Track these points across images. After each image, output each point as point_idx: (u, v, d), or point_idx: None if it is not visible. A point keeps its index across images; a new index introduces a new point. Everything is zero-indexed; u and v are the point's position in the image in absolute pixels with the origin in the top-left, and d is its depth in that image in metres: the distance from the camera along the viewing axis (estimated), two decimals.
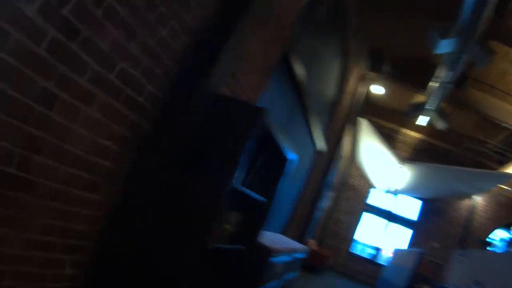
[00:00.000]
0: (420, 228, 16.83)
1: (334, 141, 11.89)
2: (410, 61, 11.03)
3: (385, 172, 15.86)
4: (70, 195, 2.50)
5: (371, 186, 17.29)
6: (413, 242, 16.62)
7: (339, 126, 12.02)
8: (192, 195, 3.04)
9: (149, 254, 2.95)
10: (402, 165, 15.30)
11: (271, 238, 6.00)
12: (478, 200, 16.37)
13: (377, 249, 17.15)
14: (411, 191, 16.52)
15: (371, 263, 16.67)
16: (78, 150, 2.46)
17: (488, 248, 15.58)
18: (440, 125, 11.05)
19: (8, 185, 2.07)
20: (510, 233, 15.75)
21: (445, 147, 15.75)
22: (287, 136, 6.59)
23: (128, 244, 2.91)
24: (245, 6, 3.35)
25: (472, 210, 16.36)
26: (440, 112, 10.66)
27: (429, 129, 13.70)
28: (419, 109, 10.89)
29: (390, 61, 11.32)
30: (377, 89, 12.78)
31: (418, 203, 17.18)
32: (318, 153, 10.17)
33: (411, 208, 17.23)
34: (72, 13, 2.11)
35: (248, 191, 3.53)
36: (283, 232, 9.28)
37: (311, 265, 11.95)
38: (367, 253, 17.30)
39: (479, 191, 15.43)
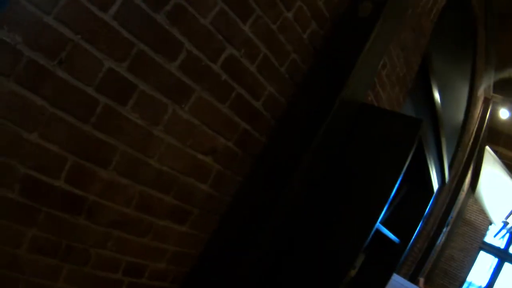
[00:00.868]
0: None
1: (458, 173, 11.17)
2: None
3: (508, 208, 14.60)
4: (146, 224, 2.07)
5: (490, 222, 15.99)
6: None
7: (465, 156, 11.21)
8: (323, 241, 2.52)
9: None
10: None
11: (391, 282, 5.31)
12: None
13: None
14: None
15: None
16: (161, 164, 2.01)
17: None
18: None
19: (58, 204, 1.70)
20: None
21: None
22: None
23: None
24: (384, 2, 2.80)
25: None
26: None
27: None
28: None
29: None
30: (504, 114, 11.73)
31: None
32: (442, 186, 9.42)
33: None
34: None
35: (386, 231, 2.94)
36: (397, 271, 8.57)
37: None
38: None
39: None
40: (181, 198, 2.15)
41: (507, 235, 15.30)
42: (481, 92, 10.41)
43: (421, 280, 11.50)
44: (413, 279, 10.14)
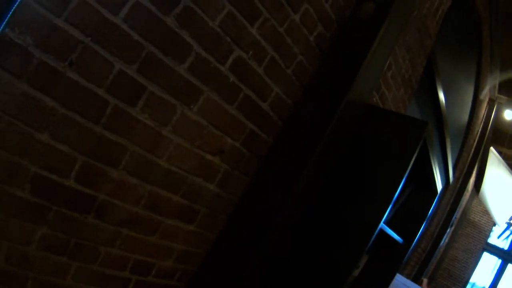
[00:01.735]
0: None
1: (463, 174, 11.05)
2: None
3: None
4: (154, 223, 2.05)
5: (494, 223, 15.82)
6: None
7: (469, 157, 11.08)
8: (328, 241, 2.48)
9: None
10: None
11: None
12: None
13: None
14: None
15: None
16: (170, 164, 1.99)
17: None
18: None
19: (68, 203, 1.70)
20: None
21: None
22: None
23: None
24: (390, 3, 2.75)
25: None
26: None
27: None
28: None
29: None
30: (509, 115, 11.59)
31: None
32: (446, 186, 9.32)
33: None
34: None
35: (389, 231, 2.90)
36: (401, 271, 8.49)
37: None
38: None
39: None
40: (189, 197, 2.13)
41: (511, 236, 15.17)
42: (486, 93, 10.28)
43: (425, 280, 11.36)
44: (416, 279, 10.05)
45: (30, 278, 1.65)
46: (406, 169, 2.40)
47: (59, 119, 1.52)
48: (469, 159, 11.10)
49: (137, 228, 1.95)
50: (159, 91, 1.77)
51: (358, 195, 2.48)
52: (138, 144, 1.79)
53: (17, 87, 1.41)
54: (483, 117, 11.11)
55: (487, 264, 15.68)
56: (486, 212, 15.65)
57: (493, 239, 15.63)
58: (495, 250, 15.53)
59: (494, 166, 12.81)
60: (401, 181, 2.38)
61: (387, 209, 2.36)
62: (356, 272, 3.20)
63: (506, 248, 15.48)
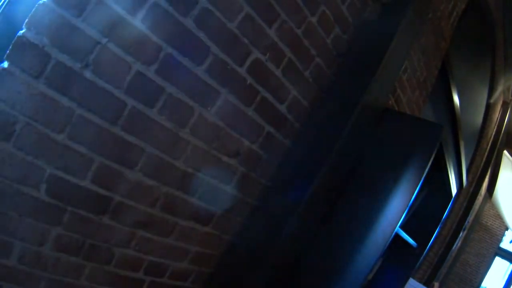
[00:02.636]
0: None
1: (476, 177, 10.91)
2: None
3: None
4: (170, 224, 2.04)
5: (506, 228, 15.71)
6: None
7: (482, 161, 10.96)
8: (343, 244, 2.46)
9: None
10: None
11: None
12: None
13: None
14: None
15: None
16: (186, 166, 1.97)
17: None
18: None
19: (84, 204, 1.70)
20: None
21: None
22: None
23: None
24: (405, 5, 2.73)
25: None
26: None
27: None
28: None
29: None
30: None
31: None
32: (460, 190, 9.25)
33: None
34: None
35: (404, 235, 2.87)
36: (412, 275, 8.44)
37: None
38: None
39: None
40: (205, 199, 2.12)
41: None
42: (499, 96, 10.22)
43: (436, 284, 11.30)
44: (428, 283, 9.97)
45: (43, 278, 1.65)
46: (423, 173, 2.37)
47: (75, 119, 1.52)
48: (483, 162, 11.01)
49: (153, 229, 1.94)
50: (177, 92, 1.76)
51: (374, 198, 2.47)
52: (155, 145, 1.78)
53: (34, 87, 1.41)
54: (496, 120, 11.02)
55: (499, 268, 15.56)
56: (498, 216, 15.54)
57: (505, 244, 15.49)
58: (507, 255, 15.40)
59: (508, 170, 12.74)
60: (417, 185, 2.35)
61: (403, 212, 2.34)
62: (370, 276, 3.16)
63: None
